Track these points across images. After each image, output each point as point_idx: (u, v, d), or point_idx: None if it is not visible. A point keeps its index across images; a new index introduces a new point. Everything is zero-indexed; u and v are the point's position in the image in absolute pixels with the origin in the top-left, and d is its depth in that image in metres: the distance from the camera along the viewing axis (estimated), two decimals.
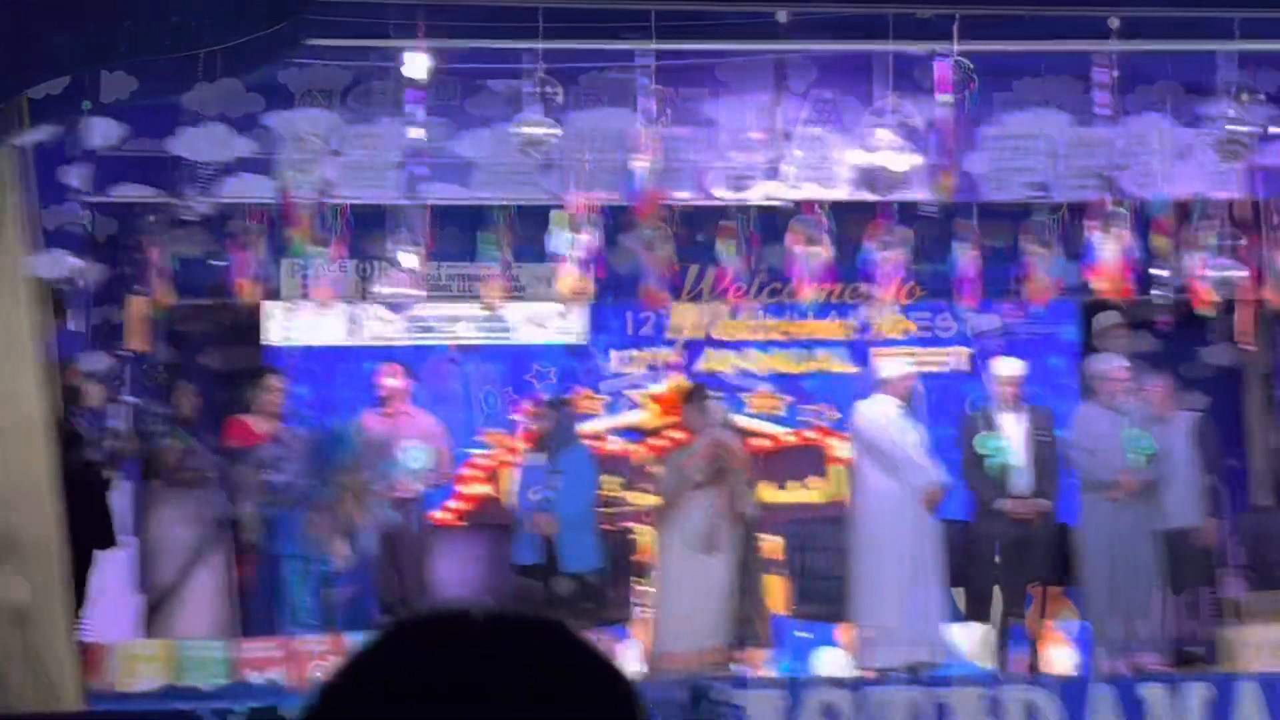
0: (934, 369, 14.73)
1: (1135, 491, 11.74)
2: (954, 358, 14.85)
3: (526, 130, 11.00)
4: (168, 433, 10.84)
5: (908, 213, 12.40)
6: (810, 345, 14.79)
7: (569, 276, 11.98)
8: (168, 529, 10.91)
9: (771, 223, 12.81)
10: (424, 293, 12.35)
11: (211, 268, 13.11)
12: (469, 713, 1.49)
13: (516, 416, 13.70)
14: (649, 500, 12.66)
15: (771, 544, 12.99)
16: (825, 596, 12.39)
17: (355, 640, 9.12)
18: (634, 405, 14.78)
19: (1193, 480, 11.99)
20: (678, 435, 13.45)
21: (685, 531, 11.53)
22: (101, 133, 11.66)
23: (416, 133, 11.49)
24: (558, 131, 11.04)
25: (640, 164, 11.71)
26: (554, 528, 11.52)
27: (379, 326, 14.07)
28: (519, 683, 1.51)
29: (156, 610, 10.83)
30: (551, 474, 11.67)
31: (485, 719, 1.49)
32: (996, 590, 11.87)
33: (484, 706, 1.49)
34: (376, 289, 11.91)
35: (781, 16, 11.09)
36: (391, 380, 12.09)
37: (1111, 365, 12.18)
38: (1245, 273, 12.04)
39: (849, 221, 13.49)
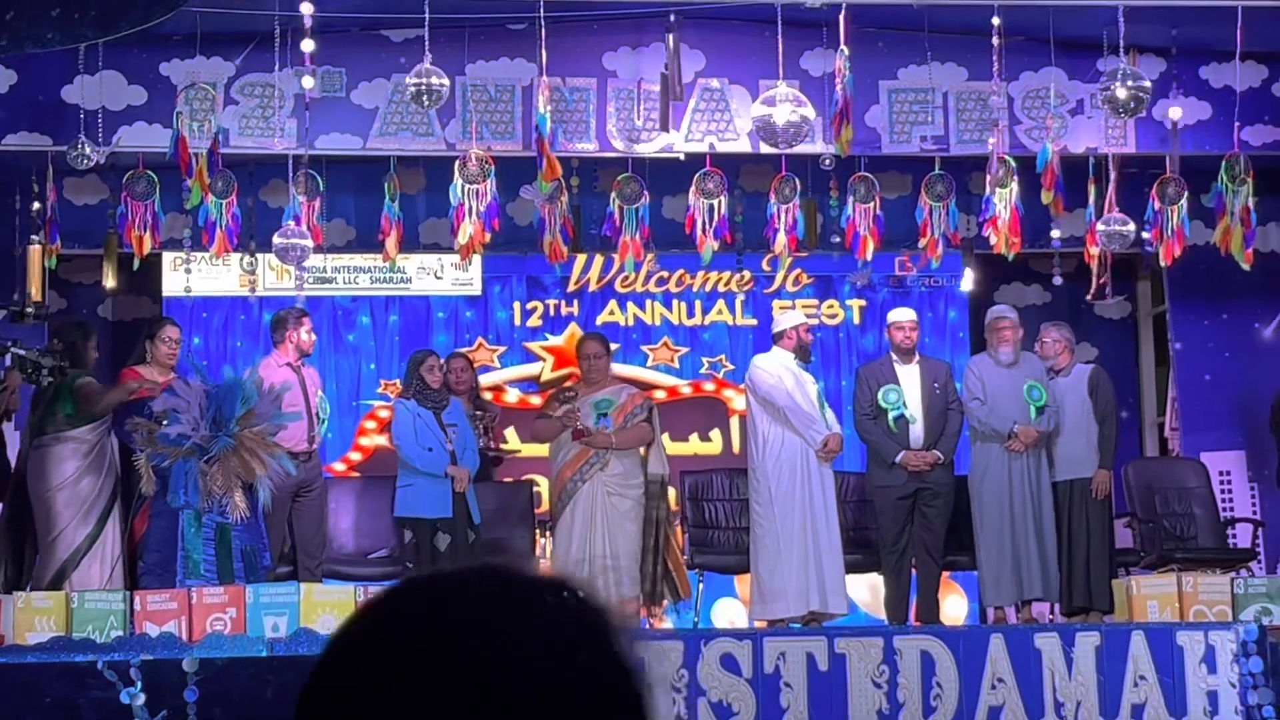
0: (830, 322, 14.82)
1: (1033, 444, 11.85)
2: (850, 310, 14.92)
3: (421, 81, 10.96)
4: (74, 376, 10.75)
5: (806, 166, 12.46)
6: (708, 298, 14.82)
7: (467, 228, 11.94)
8: (74, 484, 10.81)
9: (670, 175, 12.84)
10: (319, 243, 12.29)
11: (106, 218, 12.99)
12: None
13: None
14: (541, 451, 12.61)
15: (669, 496, 13.05)
16: (723, 548, 12.45)
17: (252, 592, 9.05)
18: (531, 357, 14.78)
19: (1088, 431, 12.11)
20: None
21: (595, 484, 11.56)
22: None
23: (312, 83, 11.42)
24: (446, 82, 11.01)
25: (538, 116, 11.70)
26: (466, 480, 11.50)
27: (275, 278, 13.99)
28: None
29: (60, 568, 10.75)
30: (446, 427, 11.64)
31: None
32: (892, 541, 11.94)
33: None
34: (273, 240, 11.84)
35: None
36: (311, 334, 12.00)
37: (1007, 318, 12.28)
38: (1133, 226, 12.17)
39: (747, 174, 13.56)
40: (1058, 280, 13.28)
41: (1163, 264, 12.98)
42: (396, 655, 1.48)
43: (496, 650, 1.47)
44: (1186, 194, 12.53)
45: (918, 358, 12.23)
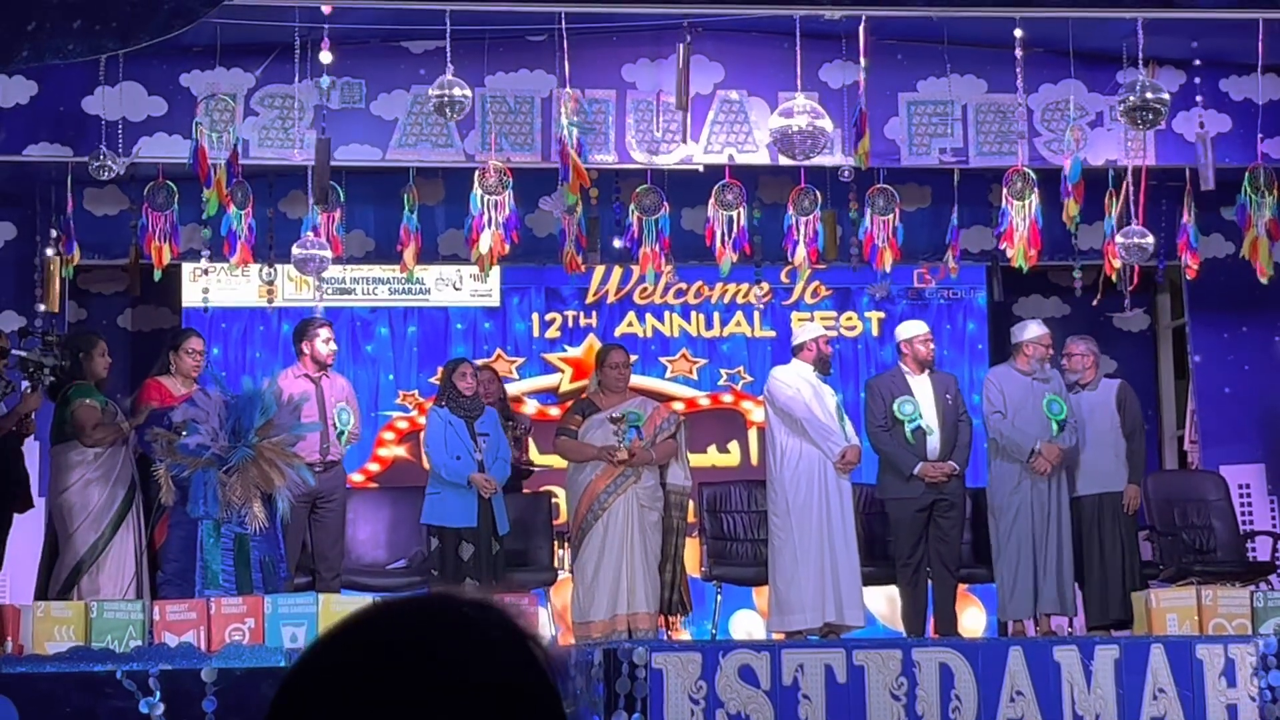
0: (849, 334, 14.81)
1: (1056, 462, 11.80)
2: (869, 322, 14.92)
3: (444, 93, 10.97)
4: (76, 392, 10.76)
5: (825, 177, 12.45)
6: (727, 309, 14.82)
7: (485, 239, 11.93)
8: (83, 491, 10.82)
9: (689, 186, 12.83)
10: (338, 254, 12.30)
11: (126, 228, 13.01)
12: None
13: (432, 379, 13.68)
14: (559, 463, 12.59)
15: (689, 508, 13.05)
16: (741, 560, 12.44)
17: (270, 603, 9.05)
18: (549, 368, 14.79)
19: (1115, 446, 12.07)
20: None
21: (629, 497, 11.55)
22: (14, 90, 11.56)
23: (330, 92, 11.43)
24: (469, 93, 11.02)
25: (558, 127, 11.69)
26: (493, 489, 11.46)
27: (294, 289, 14.02)
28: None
29: (71, 572, 10.75)
30: (477, 436, 11.61)
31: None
32: (908, 554, 11.93)
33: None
34: (292, 251, 11.85)
35: None
36: (331, 344, 11.98)
37: (1036, 331, 12.23)
38: (1152, 239, 12.14)
39: (766, 186, 13.55)
40: (1078, 292, 13.26)
41: (1185, 277, 12.97)
42: (360, 663, 1.66)
43: (444, 662, 1.66)
44: (1194, 207, 12.54)
45: (930, 368, 12.22)
